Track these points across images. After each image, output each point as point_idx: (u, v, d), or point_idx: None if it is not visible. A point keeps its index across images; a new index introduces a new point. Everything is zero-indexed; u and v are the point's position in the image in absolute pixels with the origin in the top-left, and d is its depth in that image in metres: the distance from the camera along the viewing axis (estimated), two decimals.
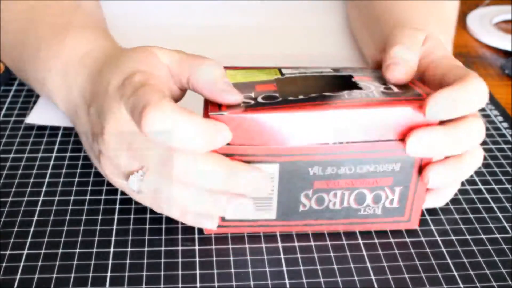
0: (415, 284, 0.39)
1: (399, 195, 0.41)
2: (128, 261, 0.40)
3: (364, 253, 0.42)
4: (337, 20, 0.70)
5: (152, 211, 0.44)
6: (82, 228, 0.43)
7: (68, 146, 0.51)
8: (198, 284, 0.39)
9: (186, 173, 0.37)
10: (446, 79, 0.40)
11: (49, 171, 0.48)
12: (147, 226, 0.43)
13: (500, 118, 0.58)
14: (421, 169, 0.40)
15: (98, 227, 0.43)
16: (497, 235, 0.44)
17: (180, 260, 0.40)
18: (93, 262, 0.40)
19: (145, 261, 0.40)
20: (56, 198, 0.45)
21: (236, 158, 0.38)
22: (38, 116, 0.53)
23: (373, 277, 0.40)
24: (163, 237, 0.42)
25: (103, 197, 0.46)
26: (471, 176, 0.50)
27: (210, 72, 0.39)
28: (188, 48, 0.63)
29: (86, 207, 0.44)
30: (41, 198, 0.45)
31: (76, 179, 0.47)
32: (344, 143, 0.38)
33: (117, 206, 0.45)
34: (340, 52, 0.63)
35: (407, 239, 0.43)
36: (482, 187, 0.48)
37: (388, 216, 0.42)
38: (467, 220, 0.45)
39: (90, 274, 0.39)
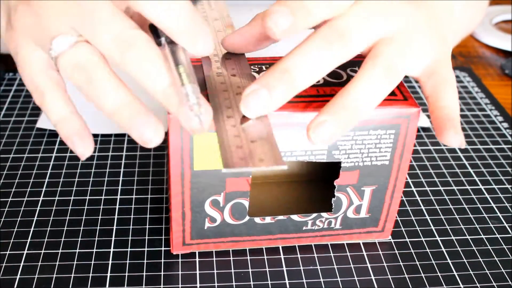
0: (415, 284, 0.39)
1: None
2: (128, 261, 0.40)
3: (364, 253, 0.42)
4: None
5: (152, 211, 0.44)
6: (82, 228, 0.43)
7: (68, 146, 0.51)
8: (198, 284, 0.39)
9: (141, 60, 0.32)
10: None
11: (49, 171, 0.48)
12: (147, 226, 0.43)
13: (500, 118, 0.58)
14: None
15: (98, 227, 0.43)
16: (497, 235, 0.44)
17: (180, 260, 0.40)
18: (93, 262, 0.40)
19: (145, 261, 0.40)
20: (56, 198, 0.45)
21: None
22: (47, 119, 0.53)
23: (373, 277, 0.40)
24: (163, 237, 0.42)
25: (103, 197, 0.45)
26: (471, 176, 0.50)
27: None
28: None
29: (86, 207, 0.44)
30: (41, 198, 0.45)
31: (76, 179, 0.47)
32: None
33: (117, 206, 0.45)
34: None
35: (407, 239, 0.43)
36: (482, 187, 0.48)
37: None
38: (467, 220, 0.45)
39: (90, 274, 0.39)
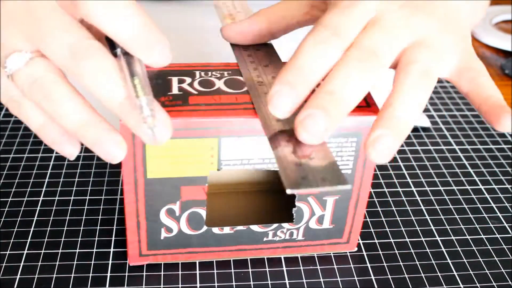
0: (415, 284, 0.39)
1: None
2: (128, 261, 0.40)
3: (364, 253, 0.42)
4: None
5: None
6: (82, 228, 0.43)
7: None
8: (198, 284, 0.39)
9: (97, 72, 0.31)
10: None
11: (49, 171, 0.48)
12: None
13: None
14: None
15: (98, 227, 0.43)
16: (497, 235, 0.44)
17: (180, 260, 0.40)
18: (93, 262, 0.40)
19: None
20: (56, 198, 0.45)
21: None
22: None
23: (373, 277, 0.40)
24: None
25: (103, 197, 0.45)
26: (471, 176, 0.50)
27: None
28: (186, 50, 0.63)
29: (86, 207, 0.44)
30: (41, 198, 0.45)
31: (76, 179, 0.47)
32: None
33: (117, 206, 0.45)
34: None
35: (407, 239, 0.43)
36: (482, 187, 0.48)
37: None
38: (467, 220, 0.45)
39: (90, 274, 0.39)
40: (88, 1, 0.30)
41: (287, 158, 0.30)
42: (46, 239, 0.42)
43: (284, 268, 0.40)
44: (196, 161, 0.36)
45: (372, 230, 0.44)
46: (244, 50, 0.40)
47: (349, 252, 0.42)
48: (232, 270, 0.40)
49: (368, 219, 0.45)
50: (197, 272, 0.40)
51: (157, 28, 0.32)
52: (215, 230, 0.39)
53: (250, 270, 0.40)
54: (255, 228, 0.39)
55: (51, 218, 0.43)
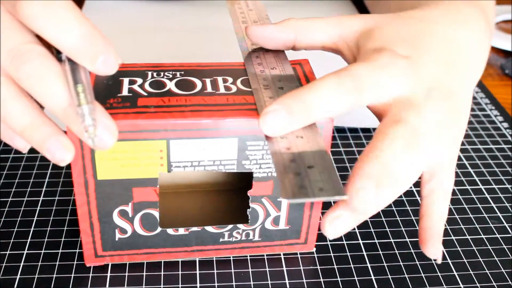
0: (415, 284, 0.39)
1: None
2: (128, 261, 0.40)
3: (364, 253, 0.42)
4: None
5: None
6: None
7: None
8: (198, 284, 0.39)
9: (38, 78, 0.30)
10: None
11: (49, 171, 0.48)
12: None
13: (500, 118, 0.58)
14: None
15: None
16: (497, 235, 0.44)
17: (180, 260, 0.40)
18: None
19: (145, 261, 0.40)
20: (56, 198, 0.45)
21: None
22: None
23: (373, 277, 0.40)
24: None
25: None
26: (471, 176, 0.50)
27: None
28: (179, 49, 0.63)
29: None
30: (41, 198, 0.45)
31: None
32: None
33: None
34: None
35: (407, 239, 0.43)
36: (482, 187, 0.49)
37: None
38: (467, 220, 0.45)
39: (90, 274, 0.39)
40: (26, 9, 0.29)
41: (286, 167, 0.30)
42: (46, 239, 0.42)
43: (284, 268, 0.40)
44: (146, 163, 0.35)
45: (372, 230, 0.44)
46: (252, 51, 0.40)
47: (349, 253, 0.42)
48: (232, 270, 0.40)
49: (368, 219, 0.45)
50: (197, 272, 0.40)
51: (101, 35, 0.31)
52: (170, 231, 0.39)
53: (250, 270, 0.40)
54: (210, 229, 0.39)
55: (51, 218, 0.43)
